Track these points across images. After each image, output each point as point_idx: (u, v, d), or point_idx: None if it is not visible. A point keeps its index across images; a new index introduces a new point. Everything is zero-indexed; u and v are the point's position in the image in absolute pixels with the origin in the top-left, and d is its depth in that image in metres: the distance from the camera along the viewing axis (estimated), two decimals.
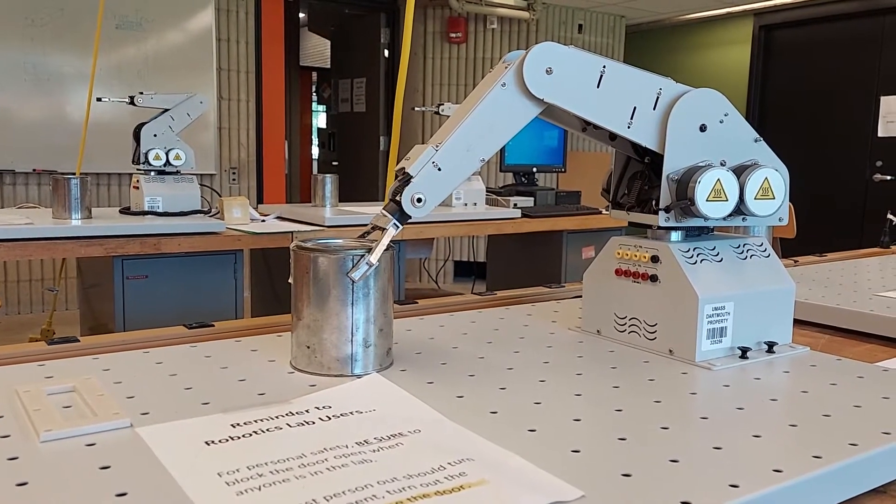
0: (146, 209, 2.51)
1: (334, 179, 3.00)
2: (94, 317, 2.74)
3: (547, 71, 0.84)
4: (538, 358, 0.89)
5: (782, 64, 6.46)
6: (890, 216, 1.92)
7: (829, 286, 1.38)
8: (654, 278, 0.91)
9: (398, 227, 0.81)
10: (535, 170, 3.78)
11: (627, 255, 0.95)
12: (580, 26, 6.61)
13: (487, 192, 3.37)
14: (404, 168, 0.83)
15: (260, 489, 0.52)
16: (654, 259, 0.91)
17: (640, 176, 0.97)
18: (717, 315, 0.88)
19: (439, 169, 0.82)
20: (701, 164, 0.89)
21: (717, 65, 6.79)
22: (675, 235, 0.94)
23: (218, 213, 2.72)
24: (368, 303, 0.79)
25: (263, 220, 2.78)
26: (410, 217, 0.82)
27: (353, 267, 0.77)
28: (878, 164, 5.85)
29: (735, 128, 0.91)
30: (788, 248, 3.33)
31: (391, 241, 0.80)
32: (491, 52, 6.21)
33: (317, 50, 9.91)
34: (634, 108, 0.88)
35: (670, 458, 0.60)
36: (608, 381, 0.81)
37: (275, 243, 2.49)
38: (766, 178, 0.89)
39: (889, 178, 5.78)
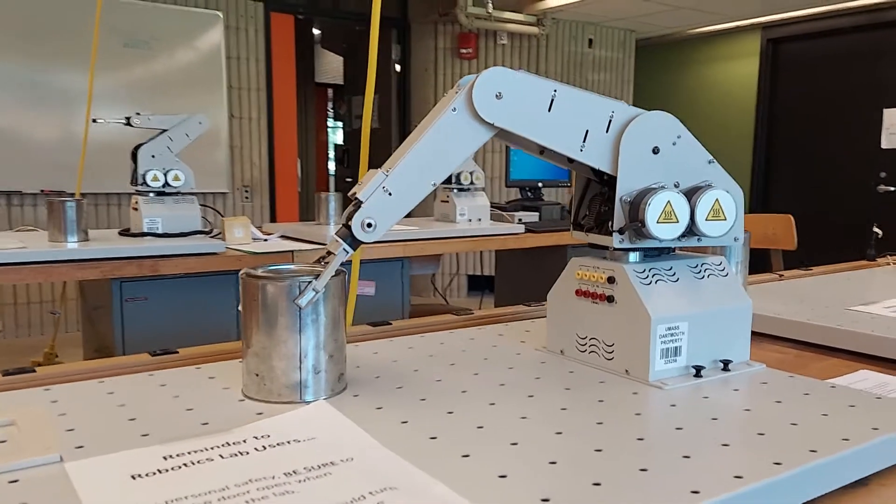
0: (145, 230, 2.54)
1: (337, 197, 3.03)
2: (97, 339, 2.77)
3: (497, 96, 0.85)
4: (496, 380, 0.89)
5: (790, 76, 6.46)
6: (875, 229, 1.90)
7: (805, 301, 1.37)
8: (610, 299, 0.92)
9: (347, 251, 0.82)
10: (540, 185, 3.78)
11: (586, 275, 0.95)
12: (590, 41, 6.62)
13: (492, 207, 3.38)
14: (356, 193, 0.84)
15: None
16: (611, 280, 0.91)
17: (599, 197, 0.98)
18: (671, 335, 0.88)
19: (390, 194, 0.83)
20: (654, 186, 0.89)
21: (725, 78, 6.78)
22: (633, 256, 0.94)
23: (220, 233, 2.74)
24: (318, 329, 0.80)
25: (266, 240, 2.80)
26: (362, 242, 0.83)
27: (300, 293, 0.78)
28: (882, 175, 5.82)
29: (688, 150, 0.91)
30: (790, 260, 3.32)
31: (342, 265, 0.81)
32: None
33: (332, 66, 10.00)
34: (587, 131, 0.89)
35: (593, 482, 0.60)
36: (558, 402, 0.81)
37: (276, 262, 2.51)
38: (717, 199, 0.89)
39: (893, 189, 5.73)
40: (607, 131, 0.89)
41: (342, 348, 0.84)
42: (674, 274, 0.92)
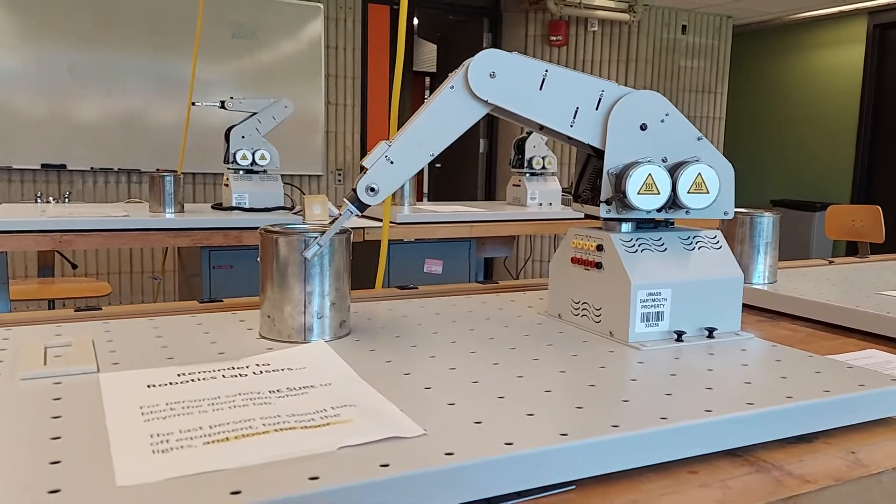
0: (234, 205, 2.75)
1: (411, 180, 3.16)
2: None
3: (490, 75, 0.93)
4: (487, 335, 0.98)
5: None
6: None
7: (838, 284, 1.39)
8: (599, 265, 0.99)
9: (352, 213, 0.93)
10: None
11: (580, 244, 1.02)
12: (684, 27, 6.49)
13: (564, 192, 3.43)
14: (363, 161, 0.94)
15: (165, 419, 0.65)
16: (599, 248, 0.98)
17: (596, 171, 1.05)
18: (653, 300, 0.94)
19: (392, 162, 0.93)
20: (641, 161, 0.96)
21: (828, 66, 6.50)
22: (624, 227, 1.00)
23: (301, 209, 2.92)
24: (322, 279, 0.91)
25: None
26: (367, 205, 0.93)
27: (306, 247, 0.89)
28: None
29: (676, 127, 0.97)
30: (878, 252, 3.21)
31: (347, 224, 0.92)
32: (591, 55, 6.21)
33: (431, 56, 10.17)
34: (577, 108, 0.96)
35: (527, 413, 0.68)
36: (534, 354, 0.89)
37: None
38: (700, 173, 0.94)
39: None
40: (597, 108, 0.96)
41: (345, 298, 0.95)
42: (662, 244, 0.98)
